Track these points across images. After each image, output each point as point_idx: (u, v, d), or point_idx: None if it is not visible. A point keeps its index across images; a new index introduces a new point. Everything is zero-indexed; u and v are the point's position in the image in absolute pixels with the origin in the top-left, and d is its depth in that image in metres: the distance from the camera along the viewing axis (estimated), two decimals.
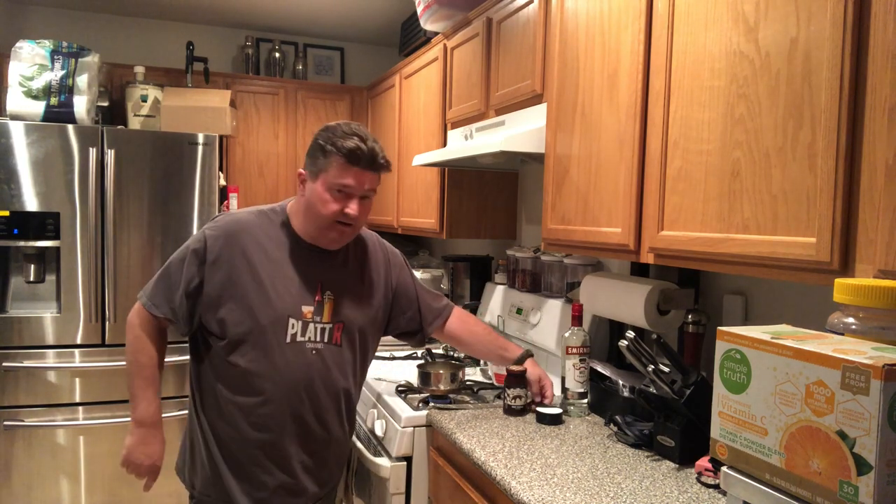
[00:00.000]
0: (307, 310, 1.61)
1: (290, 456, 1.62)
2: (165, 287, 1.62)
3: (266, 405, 1.59)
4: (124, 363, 1.71)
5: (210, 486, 1.65)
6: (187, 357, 3.20)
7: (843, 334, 0.93)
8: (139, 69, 3.35)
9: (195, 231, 3.07)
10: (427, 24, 2.76)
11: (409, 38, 3.43)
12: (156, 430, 1.67)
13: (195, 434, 1.67)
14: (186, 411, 3.05)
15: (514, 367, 1.89)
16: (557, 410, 1.82)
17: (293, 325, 1.59)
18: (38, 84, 2.96)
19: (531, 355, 1.95)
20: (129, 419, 3.03)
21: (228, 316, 1.57)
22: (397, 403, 2.01)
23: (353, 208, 1.55)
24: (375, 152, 1.56)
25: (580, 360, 1.88)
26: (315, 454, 1.67)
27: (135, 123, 3.29)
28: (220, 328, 1.58)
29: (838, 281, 0.94)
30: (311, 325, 1.61)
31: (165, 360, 3.16)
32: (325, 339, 1.64)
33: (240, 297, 1.57)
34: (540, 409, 1.82)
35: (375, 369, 2.41)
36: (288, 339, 1.59)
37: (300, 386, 1.61)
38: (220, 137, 3.26)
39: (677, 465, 1.52)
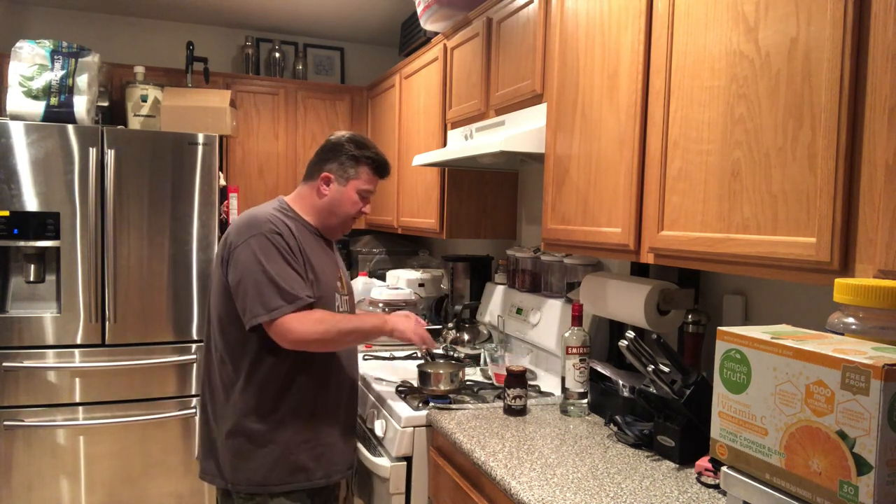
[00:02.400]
0: (339, 284, 1.88)
1: (351, 425, 1.91)
2: (292, 280, 1.68)
3: (334, 372, 1.82)
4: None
5: (285, 474, 1.74)
6: (187, 357, 3.21)
7: (843, 334, 0.93)
8: (139, 69, 3.35)
9: (195, 231, 3.08)
10: (427, 24, 2.76)
11: (409, 38, 3.43)
12: (387, 315, 1.89)
13: (263, 436, 1.73)
14: (187, 412, 3.08)
15: (514, 367, 1.89)
16: (437, 326, 2.07)
17: (337, 298, 1.85)
18: (38, 84, 2.96)
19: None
20: (129, 419, 3.04)
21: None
22: (397, 403, 2.01)
23: (368, 207, 1.91)
24: (390, 164, 1.94)
25: (580, 360, 1.88)
26: (355, 419, 1.93)
27: (135, 123, 3.29)
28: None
29: (838, 281, 0.94)
30: (342, 297, 1.89)
31: (165, 360, 3.16)
32: (348, 308, 1.93)
33: (310, 280, 1.75)
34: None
35: (375, 369, 2.41)
36: (336, 311, 1.82)
37: (350, 351, 1.89)
38: (220, 137, 3.26)
39: (677, 465, 1.52)
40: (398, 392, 2.10)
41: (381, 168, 1.89)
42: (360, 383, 2.31)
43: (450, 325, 2.63)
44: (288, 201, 1.88)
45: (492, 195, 2.80)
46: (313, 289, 1.74)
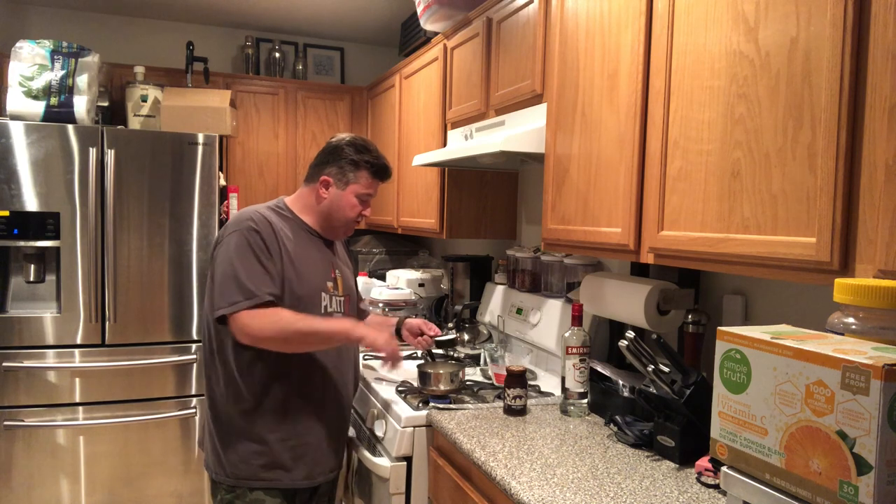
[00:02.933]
0: (329, 285, 1.86)
1: (338, 427, 1.88)
2: (256, 277, 1.67)
3: (317, 370, 1.79)
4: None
5: (262, 469, 1.74)
6: (187, 357, 3.22)
7: (843, 334, 0.93)
8: (139, 69, 3.35)
9: (195, 231, 3.08)
10: (427, 24, 2.76)
11: (409, 38, 3.43)
12: (357, 321, 1.86)
13: (221, 428, 1.76)
14: (187, 412, 3.08)
15: (514, 367, 1.89)
16: (452, 335, 2.09)
17: (324, 297, 1.83)
18: (38, 84, 2.96)
19: (407, 316, 2.26)
20: (129, 419, 3.05)
21: (287, 294, 1.75)
22: (397, 403, 2.01)
23: (369, 210, 1.91)
24: (391, 167, 1.93)
25: (580, 360, 1.88)
26: (344, 422, 1.92)
27: (135, 123, 3.29)
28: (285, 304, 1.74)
29: (838, 281, 0.94)
30: (334, 298, 1.87)
31: (164, 360, 3.17)
32: (342, 310, 1.90)
33: (289, 277, 1.75)
34: (437, 339, 2.04)
35: (376, 369, 2.41)
36: (323, 312, 1.81)
37: (339, 352, 1.85)
38: (220, 137, 3.26)
39: (677, 465, 1.52)
40: (398, 392, 2.10)
41: (380, 172, 1.89)
42: (361, 384, 2.32)
43: (450, 325, 2.63)
44: (287, 201, 1.90)
45: (492, 195, 2.80)
46: (286, 287, 1.72)
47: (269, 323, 1.64)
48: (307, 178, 1.90)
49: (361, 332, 1.75)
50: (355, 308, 2.03)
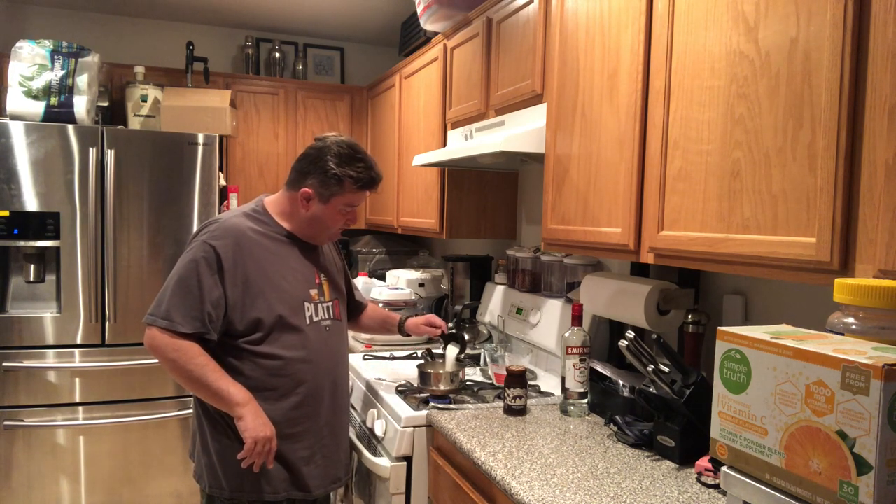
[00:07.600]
0: (314, 293, 1.79)
1: (333, 441, 1.81)
2: (185, 304, 1.62)
3: (303, 386, 1.72)
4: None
5: (248, 482, 1.69)
6: None
7: (843, 334, 0.93)
8: (139, 69, 3.35)
9: (194, 230, 3.08)
10: (427, 24, 2.76)
11: (409, 38, 3.43)
12: (255, 402, 1.64)
13: (219, 440, 1.70)
14: (187, 412, 3.08)
15: (514, 367, 1.89)
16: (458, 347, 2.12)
17: (308, 308, 1.76)
18: (38, 84, 2.96)
19: (409, 315, 2.22)
20: (129, 419, 3.04)
21: (256, 313, 1.67)
22: (397, 403, 2.01)
23: (355, 218, 1.82)
24: (380, 176, 1.80)
25: (580, 360, 1.88)
26: (339, 434, 1.84)
27: (135, 123, 3.29)
28: (252, 327, 1.67)
29: (838, 281, 0.94)
30: (320, 306, 1.80)
31: None
32: (331, 316, 1.83)
33: (261, 293, 1.68)
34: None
35: (376, 369, 2.41)
36: (308, 322, 1.75)
37: (327, 361, 1.78)
38: (220, 137, 3.26)
39: (677, 465, 1.52)
40: (398, 392, 2.10)
41: (365, 185, 1.76)
42: (363, 385, 2.32)
43: (450, 324, 2.64)
44: (266, 203, 1.81)
45: (492, 195, 2.80)
46: (243, 308, 1.65)
47: (170, 350, 1.60)
48: (289, 183, 1.79)
49: (242, 413, 1.59)
50: (347, 309, 1.98)
